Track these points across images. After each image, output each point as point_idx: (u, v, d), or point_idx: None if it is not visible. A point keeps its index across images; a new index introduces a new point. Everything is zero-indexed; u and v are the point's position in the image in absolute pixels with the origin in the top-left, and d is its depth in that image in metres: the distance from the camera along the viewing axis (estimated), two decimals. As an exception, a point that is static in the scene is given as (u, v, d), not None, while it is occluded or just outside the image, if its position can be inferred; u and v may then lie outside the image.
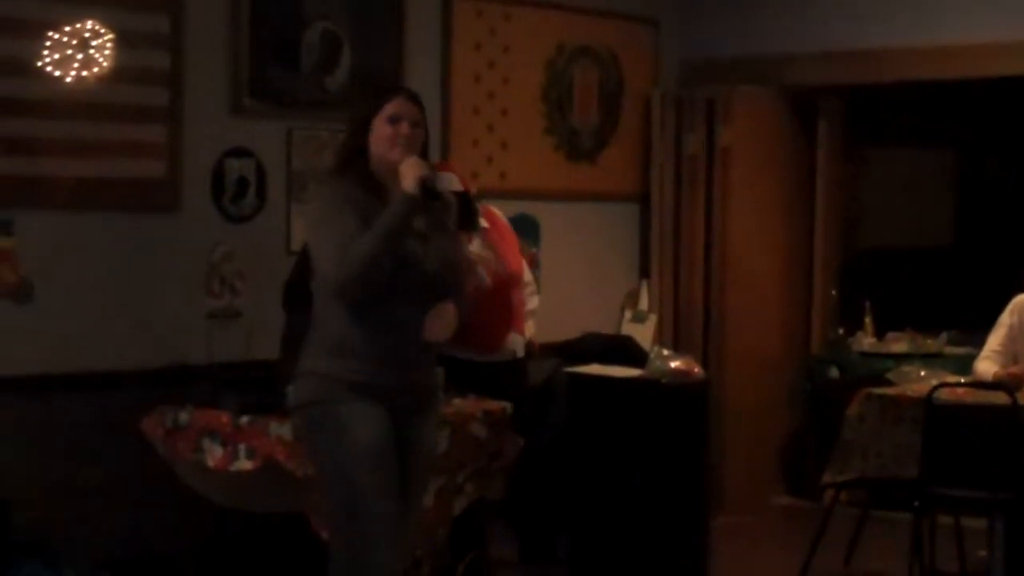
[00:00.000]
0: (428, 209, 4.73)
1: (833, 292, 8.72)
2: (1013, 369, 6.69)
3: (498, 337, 6.57)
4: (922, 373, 7.07)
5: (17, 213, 6.07)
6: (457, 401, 6.07)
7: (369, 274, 4.57)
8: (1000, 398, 6.25)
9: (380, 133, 4.75)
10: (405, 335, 4.73)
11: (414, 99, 4.85)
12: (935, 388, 6.38)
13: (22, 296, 6.12)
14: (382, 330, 4.69)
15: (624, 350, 7.67)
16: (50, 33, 6.07)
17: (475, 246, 6.51)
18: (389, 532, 4.66)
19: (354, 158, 4.79)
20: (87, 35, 6.15)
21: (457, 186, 6.40)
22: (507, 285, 6.59)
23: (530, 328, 6.80)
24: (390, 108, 4.77)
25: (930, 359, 7.93)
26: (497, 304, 6.52)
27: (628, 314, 8.37)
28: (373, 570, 4.64)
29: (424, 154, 4.82)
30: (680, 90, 8.52)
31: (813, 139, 8.69)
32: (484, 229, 6.59)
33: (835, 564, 7.08)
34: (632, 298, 8.43)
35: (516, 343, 6.65)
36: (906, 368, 7.26)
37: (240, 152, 6.69)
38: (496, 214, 6.77)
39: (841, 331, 8.47)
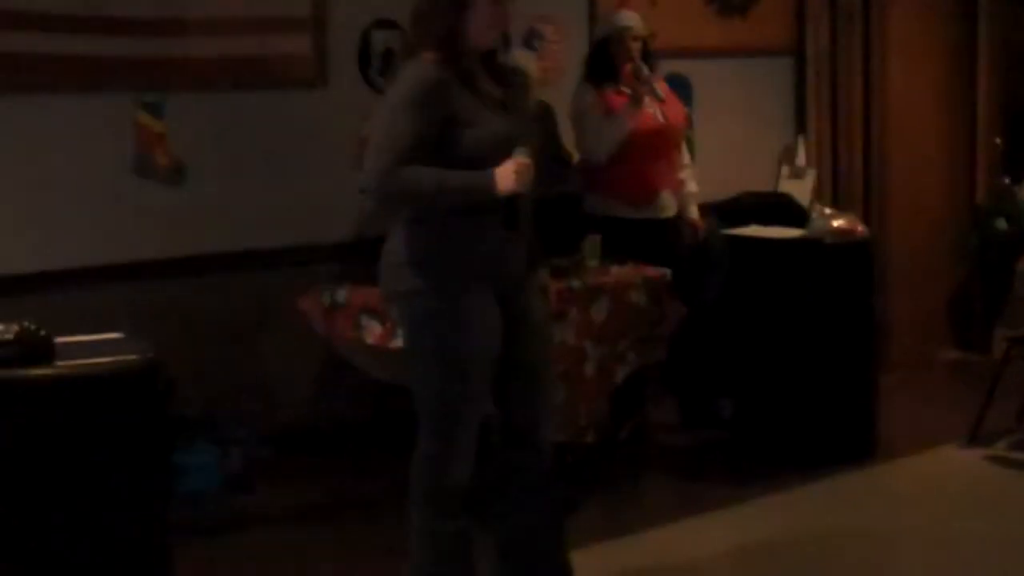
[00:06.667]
0: (506, 88, 4.53)
1: (998, 140, 8.43)
2: None
3: (652, 188, 6.47)
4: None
5: (166, 95, 6.05)
6: (616, 269, 5.99)
7: (401, 204, 4.41)
8: None
9: (484, 13, 4.43)
10: (510, 210, 4.54)
11: None
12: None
13: (174, 177, 6.12)
14: (490, 209, 4.45)
15: (782, 208, 7.51)
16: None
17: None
18: (474, 439, 4.53)
19: (449, 39, 4.43)
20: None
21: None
22: (667, 138, 6.48)
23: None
24: None
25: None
26: (654, 154, 6.43)
27: (786, 170, 8.17)
28: (454, 467, 4.51)
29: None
30: (834, -63, 8.25)
31: (975, -16, 8.38)
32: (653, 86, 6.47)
33: (1007, 420, 6.90)
34: (789, 154, 8.22)
35: (668, 202, 6.55)
36: (1077, 214, 7.01)
37: (386, 23, 6.58)
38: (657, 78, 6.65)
39: (1007, 180, 8.18)
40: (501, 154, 4.39)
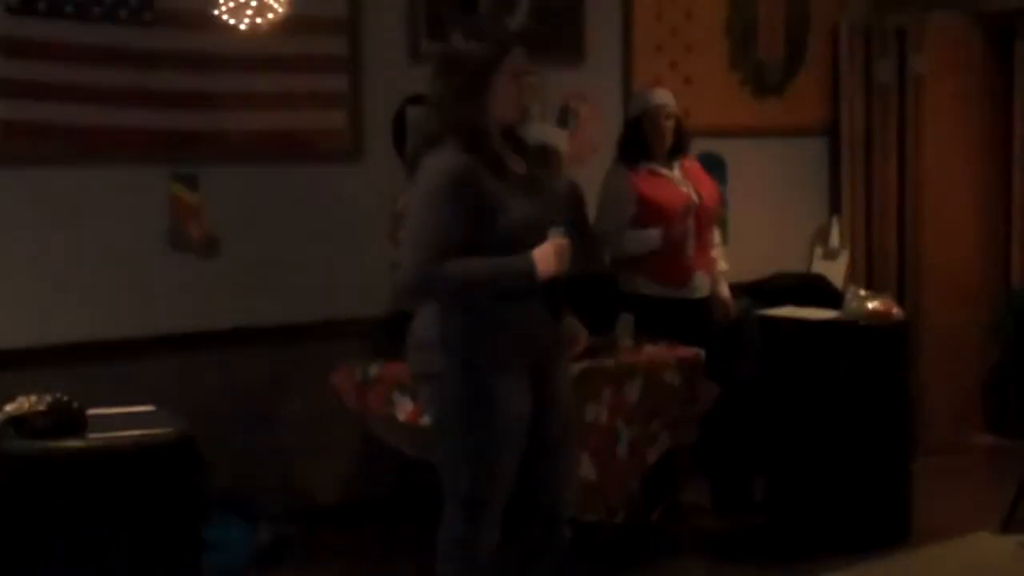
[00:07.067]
0: (530, 163, 4.53)
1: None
2: None
3: (686, 268, 6.44)
4: None
5: (201, 168, 6.06)
6: (649, 348, 5.96)
7: (442, 297, 4.39)
8: None
9: (504, 92, 4.37)
10: (549, 291, 4.50)
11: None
12: None
13: (208, 250, 6.12)
14: (526, 290, 4.39)
15: (816, 289, 7.47)
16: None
17: (676, 175, 6.41)
18: (500, 513, 4.50)
19: (471, 123, 4.36)
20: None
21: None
22: (700, 218, 6.46)
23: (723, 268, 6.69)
24: (514, 63, 4.39)
25: None
26: (684, 228, 6.40)
27: (819, 251, 8.15)
28: (481, 545, 4.48)
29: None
30: (870, 18, 8.23)
31: (1010, 65, 8.32)
32: (682, 163, 6.48)
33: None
34: (823, 235, 8.20)
35: (702, 282, 6.51)
36: (1113, 299, 6.95)
37: (421, 99, 6.57)
38: (689, 157, 6.64)
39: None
40: (532, 235, 4.37)
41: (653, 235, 6.33)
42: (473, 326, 4.42)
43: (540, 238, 4.36)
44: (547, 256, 4.34)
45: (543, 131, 6.33)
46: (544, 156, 4.71)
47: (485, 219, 4.32)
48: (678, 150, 6.53)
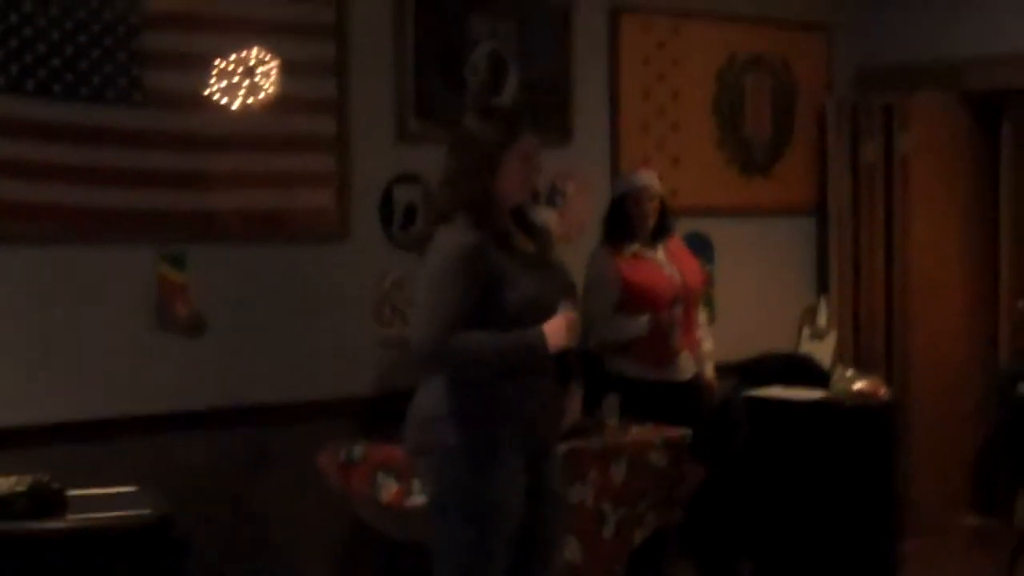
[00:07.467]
0: (537, 242, 4.61)
1: (1021, 303, 8.39)
2: None
3: (671, 350, 6.42)
4: (1118, 386, 6.77)
5: (188, 247, 6.05)
6: (635, 429, 5.95)
7: (454, 372, 4.41)
8: None
9: (514, 171, 4.49)
10: (560, 366, 4.55)
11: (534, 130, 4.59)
12: None
13: (194, 330, 6.11)
14: (537, 366, 4.47)
15: (804, 370, 7.47)
16: (216, 65, 6.03)
17: (660, 256, 6.42)
18: None
19: (481, 201, 4.46)
20: (253, 65, 6.11)
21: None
22: (685, 299, 6.46)
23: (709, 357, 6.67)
24: (524, 144, 4.50)
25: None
26: (671, 316, 6.39)
27: (807, 331, 8.15)
28: None
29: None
30: (856, 97, 8.28)
31: (996, 145, 8.36)
32: (666, 245, 6.49)
33: (1032, 589, 6.80)
34: (810, 314, 8.20)
35: (687, 363, 6.50)
36: (1100, 380, 6.95)
37: (408, 178, 6.60)
38: (675, 238, 6.65)
39: (1032, 344, 8.14)
40: (540, 311, 4.43)
41: (639, 324, 6.32)
42: (478, 402, 4.46)
43: (547, 315, 4.41)
44: (558, 329, 4.40)
45: (536, 209, 6.35)
46: (549, 235, 4.76)
47: (494, 295, 4.39)
48: (662, 231, 6.54)
